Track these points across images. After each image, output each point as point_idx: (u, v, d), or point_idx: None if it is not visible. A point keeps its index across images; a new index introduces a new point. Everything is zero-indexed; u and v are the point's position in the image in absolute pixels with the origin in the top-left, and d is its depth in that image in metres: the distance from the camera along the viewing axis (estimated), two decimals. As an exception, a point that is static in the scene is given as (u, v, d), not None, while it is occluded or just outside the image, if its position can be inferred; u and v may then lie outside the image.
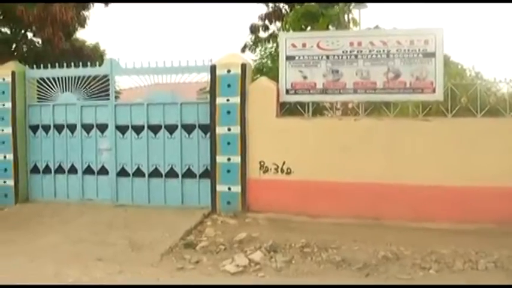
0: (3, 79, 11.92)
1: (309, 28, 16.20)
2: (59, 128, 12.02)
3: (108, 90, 11.59)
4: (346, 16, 17.13)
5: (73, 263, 7.80)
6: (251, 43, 19.40)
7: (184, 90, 11.48)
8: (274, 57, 12.98)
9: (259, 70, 14.10)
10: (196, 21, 62.19)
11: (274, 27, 19.45)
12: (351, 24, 17.41)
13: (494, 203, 9.30)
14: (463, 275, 7.24)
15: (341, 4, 16.62)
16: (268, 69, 13.76)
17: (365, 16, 30.98)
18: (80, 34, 19.12)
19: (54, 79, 11.94)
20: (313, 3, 16.42)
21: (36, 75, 12.13)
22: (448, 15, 47.38)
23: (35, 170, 12.24)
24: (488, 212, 9.29)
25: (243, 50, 19.48)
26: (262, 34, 19.47)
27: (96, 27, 30.68)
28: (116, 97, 11.80)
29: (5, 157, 11.99)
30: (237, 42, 21.12)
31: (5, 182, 12.02)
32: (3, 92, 11.92)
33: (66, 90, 11.88)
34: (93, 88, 11.69)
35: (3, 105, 11.93)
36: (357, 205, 9.84)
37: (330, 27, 16.29)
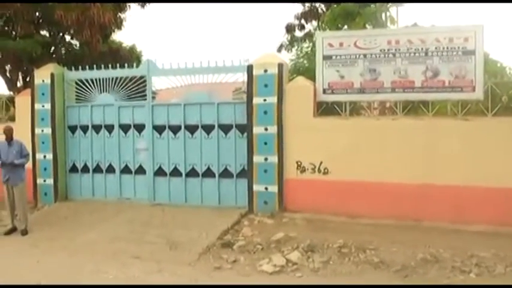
0: (43, 81, 12.15)
1: (345, 27, 16.11)
2: (96, 128, 12.20)
3: (144, 90, 11.71)
4: (383, 14, 16.96)
5: (111, 260, 7.95)
6: (287, 43, 19.36)
7: (221, 90, 11.53)
8: (310, 56, 12.92)
9: (296, 70, 14.01)
10: (233, 21, 62.44)
11: (310, 26, 19.41)
12: (389, 23, 17.23)
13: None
14: (505, 279, 7.06)
15: (378, 3, 16.46)
16: (305, 69, 13.66)
17: (403, 14, 30.66)
18: (117, 36, 19.45)
19: (92, 80, 12.13)
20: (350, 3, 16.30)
21: (74, 76, 12.34)
22: (487, 11, 46.54)
23: (73, 169, 12.46)
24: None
25: (279, 50, 19.46)
26: (298, 33, 19.45)
27: (133, 29, 31.08)
28: (153, 97, 11.89)
29: (44, 157, 12.21)
30: (273, 42, 21.09)
31: (44, 180, 12.25)
32: (43, 94, 12.15)
33: (103, 91, 12.05)
34: (130, 89, 11.83)
35: (43, 106, 12.16)
36: (395, 206, 9.68)
37: (367, 26, 16.17)
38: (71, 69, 12.41)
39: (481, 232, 8.86)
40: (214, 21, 64.36)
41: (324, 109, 10.55)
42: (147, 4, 18.48)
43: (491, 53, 15.60)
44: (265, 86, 10.45)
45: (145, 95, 11.69)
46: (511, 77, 15.27)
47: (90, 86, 12.15)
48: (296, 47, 17.50)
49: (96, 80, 12.08)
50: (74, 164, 12.44)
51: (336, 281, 6.98)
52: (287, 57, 16.36)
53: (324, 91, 10.40)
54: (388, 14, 17.22)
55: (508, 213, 9.15)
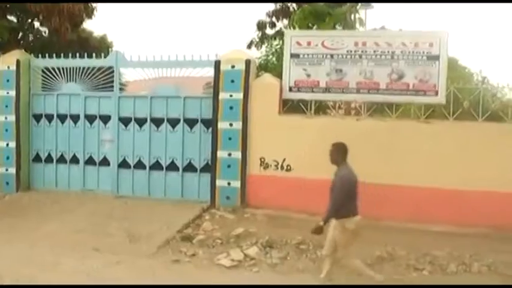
0: (8, 67, 11.98)
1: (315, 27, 16.21)
2: (62, 118, 12.08)
3: (113, 81, 11.64)
4: (352, 16, 17.11)
5: (70, 252, 7.90)
6: (257, 40, 19.39)
7: (191, 84, 11.52)
8: (279, 54, 13.01)
9: (265, 67, 14.09)
10: (204, 17, 62.18)
11: (281, 24, 19.46)
12: (357, 24, 17.40)
13: (493, 207, 9.31)
14: (456, 277, 7.30)
15: (348, 4, 16.60)
16: (273, 67, 13.76)
17: (371, 17, 30.94)
18: (88, 25, 19.17)
19: (58, 69, 12.00)
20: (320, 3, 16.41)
21: (41, 64, 12.18)
22: (457, 17, 47.26)
23: (37, 158, 12.31)
24: (487, 216, 9.28)
25: (249, 47, 19.48)
26: (269, 31, 19.49)
27: (105, 19, 30.72)
28: (122, 89, 11.85)
29: (7, 145, 12.05)
30: (244, 38, 21.05)
31: (6, 169, 12.09)
32: (8, 80, 11.98)
33: (70, 80, 11.93)
34: (98, 79, 11.75)
35: (8, 93, 11.99)
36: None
37: (337, 27, 16.30)
38: (38, 57, 12.27)
39: (440, 232, 9.08)
40: (188, 16, 64.03)
41: (290, 107, 10.64)
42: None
43: (460, 59, 15.89)
44: (232, 81, 10.51)
45: (114, 86, 11.63)
46: (478, 82, 15.57)
47: (57, 74, 12.02)
48: (266, 45, 17.57)
49: (63, 68, 11.95)
50: (37, 154, 12.30)
51: (292, 277, 7.07)
52: (257, 54, 16.45)
53: (290, 89, 10.50)
54: (357, 15, 17.40)
55: (466, 214, 9.41)
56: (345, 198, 6.20)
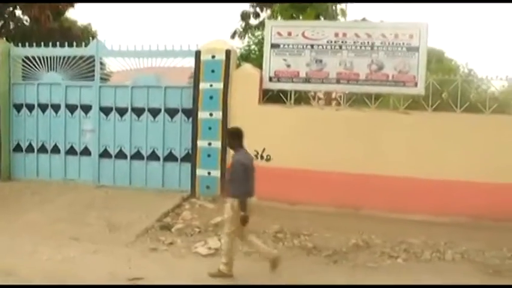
0: (-13, 56, 11.87)
1: (300, 17, 16.17)
2: (43, 108, 12.03)
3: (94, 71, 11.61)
4: (334, 7, 17.10)
5: (49, 241, 7.90)
6: (241, 30, 19.32)
7: (174, 74, 11.56)
8: (262, 44, 13.00)
9: (247, 57, 14.08)
10: (190, 7, 62.03)
11: (265, 14, 19.34)
12: (340, 15, 17.40)
13: (469, 197, 9.44)
14: (429, 264, 7.44)
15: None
16: (255, 57, 13.76)
17: (353, 7, 30.92)
18: (71, 14, 19.01)
19: (39, 58, 11.93)
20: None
21: (21, 53, 12.10)
22: (445, 10, 47.48)
23: (17, 148, 12.26)
24: (463, 206, 9.43)
25: (232, 37, 19.37)
26: (253, 21, 19.42)
27: (89, 9, 30.51)
28: (105, 79, 11.84)
29: (-13, 135, 11.98)
30: (229, 28, 20.93)
31: (-13, 159, 12.02)
32: (-13, 69, 11.89)
33: (51, 69, 11.88)
34: (80, 69, 11.71)
35: (-13, 82, 11.90)
36: (335, 194, 9.90)
37: (320, 17, 16.29)
38: (18, 45, 12.18)
39: (417, 221, 9.19)
40: (175, 7, 63.82)
41: (270, 97, 10.69)
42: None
43: (447, 51, 16.02)
44: (212, 71, 10.53)
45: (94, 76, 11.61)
46: (465, 74, 15.73)
47: (38, 63, 11.96)
48: (249, 35, 17.51)
49: (43, 57, 11.89)
50: (18, 143, 12.25)
51: (267, 265, 7.10)
52: (239, 45, 16.41)
53: (270, 79, 10.54)
54: (339, 6, 17.39)
55: (443, 204, 9.55)
56: (238, 181, 6.41)
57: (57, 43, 11.82)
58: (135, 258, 7.24)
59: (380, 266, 7.27)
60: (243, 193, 6.42)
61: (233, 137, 6.80)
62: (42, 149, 12.09)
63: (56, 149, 11.99)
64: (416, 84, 10.03)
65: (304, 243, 7.95)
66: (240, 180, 6.43)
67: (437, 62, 19.78)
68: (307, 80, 10.41)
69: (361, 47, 10.24)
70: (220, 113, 10.52)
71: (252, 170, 6.69)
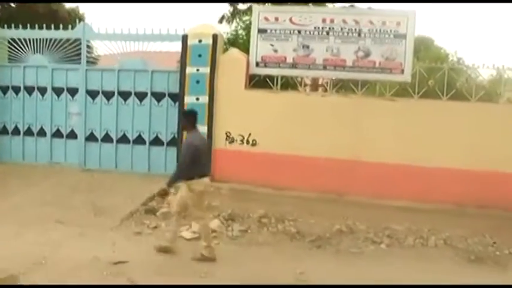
0: (-27, 38, 11.77)
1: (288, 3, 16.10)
2: (29, 90, 11.97)
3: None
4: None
5: (34, 225, 7.88)
6: (229, 15, 19.20)
7: (162, 59, 11.53)
8: (250, 29, 12.98)
9: (234, 42, 14.05)
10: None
11: (253, -1, 19.24)
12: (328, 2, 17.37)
13: (453, 184, 9.56)
14: (413, 250, 7.53)
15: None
16: (243, 42, 13.74)
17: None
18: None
19: (25, 40, 11.84)
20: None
21: (7, 35, 12.00)
22: (434, -2, 47.31)
23: (3, 131, 12.21)
24: (447, 193, 9.56)
25: (220, 21, 19.25)
26: (242, 6, 19.27)
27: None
28: (93, 63, 11.77)
29: (-28, 117, 11.91)
30: (217, 13, 20.74)
31: (-28, 142, 11.95)
32: (-27, 51, 11.78)
33: (37, 52, 11.80)
34: (67, 52, 11.63)
35: (-28, 64, 11.80)
36: (321, 180, 9.97)
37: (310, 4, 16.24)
38: (4, 27, 12.07)
39: (402, 207, 9.29)
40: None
41: (257, 82, 10.69)
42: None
43: (437, 39, 16.06)
44: (199, 56, 10.50)
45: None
46: (453, 63, 15.79)
47: (24, 46, 11.88)
48: (237, 19, 17.45)
49: (30, 40, 11.80)
50: (4, 126, 12.20)
51: (251, 250, 7.19)
52: (228, 29, 16.36)
53: (257, 64, 10.54)
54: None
55: (427, 191, 9.67)
56: (189, 162, 6.53)
57: (44, 25, 11.72)
58: (120, 241, 7.26)
59: (363, 252, 7.34)
60: (190, 173, 6.54)
61: (188, 119, 6.95)
62: (29, 132, 12.05)
63: (42, 132, 11.96)
64: (402, 72, 10.07)
65: (288, 229, 7.98)
66: (190, 161, 6.54)
67: (426, 50, 19.84)
68: (293, 66, 10.42)
69: (348, 33, 10.25)
70: (207, 98, 10.50)
71: (205, 151, 6.86)
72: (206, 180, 6.74)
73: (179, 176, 6.68)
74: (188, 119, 6.91)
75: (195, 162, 6.53)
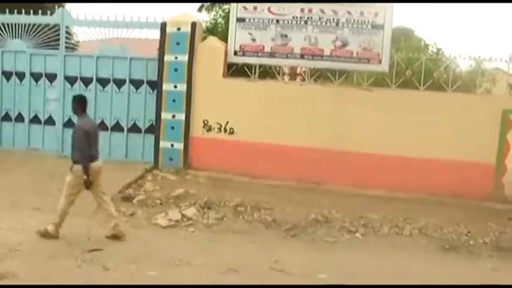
0: (-50, 22, 11.60)
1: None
2: (7, 75, 11.84)
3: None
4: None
5: (10, 211, 7.91)
6: (208, 3, 19.07)
7: (142, 47, 11.47)
8: (229, 18, 12.97)
9: (213, 30, 14.03)
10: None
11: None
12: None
13: (429, 174, 9.68)
14: (387, 239, 7.68)
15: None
16: (222, 30, 13.73)
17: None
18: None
19: (3, 25, 11.70)
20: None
21: (-14, 20, 11.84)
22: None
23: (-19, 116, 12.08)
24: (424, 183, 9.67)
25: (199, 10, 19.13)
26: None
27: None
28: (72, 49, 11.67)
29: (-51, 103, 11.76)
30: (196, 1, 20.47)
31: (-51, 128, 11.82)
32: (-51, 36, 11.62)
33: (16, 37, 11.67)
34: (46, 37, 11.53)
35: (-51, 49, 11.64)
36: (298, 169, 10.06)
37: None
38: (-15, 12, 11.91)
39: (377, 196, 9.42)
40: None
41: (235, 71, 10.73)
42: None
43: (417, 30, 16.17)
44: (178, 44, 10.51)
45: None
46: (432, 53, 15.91)
47: (2, 30, 11.74)
48: (216, 8, 17.34)
49: (8, 24, 11.66)
50: (-19, 111, 12.08)
51: (226, 238, 7.28)
52: (207, 18, 16.31)
53: (235, 53, 10.56)
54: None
55: (404, 180, 9.74)
56: (80, 145, 6.74)
57: (22, 10, 11.59)
58: (95, 229, 7.30)
59: (338, 241, 7.47)
60: (84, 158, 6.72)
61: (78, 103, 7.08)
62: (6, 117, 11.94)
63: (20, 118, 11.86)
64: (380, 62, 10.14)
65: (264, 217, 8.09)
66: (81, 145, 6.73)
67: (406, 40, 19.94)
68: (272, 55, 10.46)
69: (326, 23, 10.30)
70: (185, 86, 10.52)
71: (95, 135, 7.04)
72: (98, 164, 6.98)
73: (85, 158, 6.76)
74: (78, 103, 7.07)
75: (85, 146, 6.75)
